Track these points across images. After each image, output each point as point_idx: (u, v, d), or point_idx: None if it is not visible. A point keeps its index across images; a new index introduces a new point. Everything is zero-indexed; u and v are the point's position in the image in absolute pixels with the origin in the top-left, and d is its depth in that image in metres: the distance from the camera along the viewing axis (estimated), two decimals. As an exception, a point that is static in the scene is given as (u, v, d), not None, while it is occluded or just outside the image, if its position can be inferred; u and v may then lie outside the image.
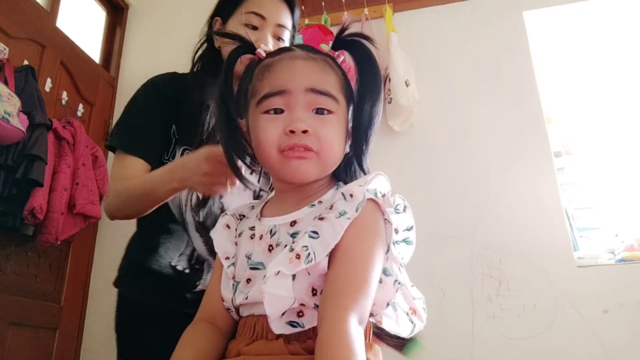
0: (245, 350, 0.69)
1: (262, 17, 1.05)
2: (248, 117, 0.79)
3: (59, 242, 1.92)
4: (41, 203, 1.79)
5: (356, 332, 0.59)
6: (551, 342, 1.73)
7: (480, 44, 2.21)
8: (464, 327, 1.81)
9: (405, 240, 0.78)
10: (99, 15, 2.72)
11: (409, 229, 0.78)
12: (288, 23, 1.10)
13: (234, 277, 0.77)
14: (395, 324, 0.74)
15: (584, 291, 1.77)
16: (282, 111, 0.73)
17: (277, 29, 1.07)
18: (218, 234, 0.83)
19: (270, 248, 0.73)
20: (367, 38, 0.81)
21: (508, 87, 2.11)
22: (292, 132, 0.71)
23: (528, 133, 2.02)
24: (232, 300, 0.76)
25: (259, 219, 0.80)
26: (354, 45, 0.80)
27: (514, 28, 2.19)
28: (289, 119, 0.72)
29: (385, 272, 0.70)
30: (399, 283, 0.72)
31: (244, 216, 0.85)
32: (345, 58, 0.82)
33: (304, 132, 0.71)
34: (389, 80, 2.06)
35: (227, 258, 0.79)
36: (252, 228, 0.79)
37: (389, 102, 2.04)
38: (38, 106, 1.89)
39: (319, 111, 0.74)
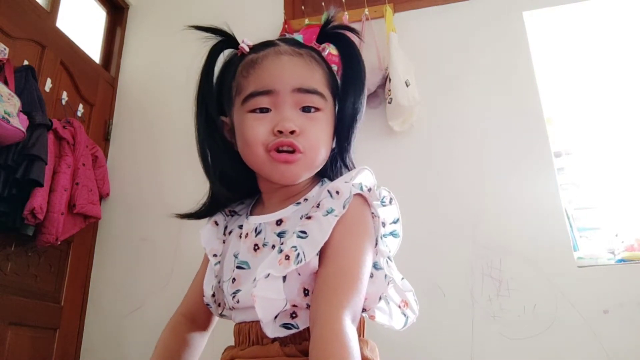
0: (240, 355, 0.68)
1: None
2: (232, 114, 0.77)
3: (59, 242, 1.92)
4: (41, 203, 1.79)
5: (350, 330, 0.58)
6: (551, 342, 1.73)
7: (480, 44, 2.21)
8: (464, 327, 1.81)
9: (392, 233, 0.77)
10: (99, 15, 2.72)
11: (395, 222, 0.77)
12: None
13: (218, 276, 0.77)
14: (389, 318, 0.74)
15: (584, 291, 1.76)
16: (268, 110, 0.72)
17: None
18: (206, 231, 0.82)
19: (256, 247, 0.72)
20: (352, 30, 0.79)
21: (508, 87, 2.11)
22: (280, 132, 0.70)
23: (528, 133, 2.02)
24: (211, 296, 0.77)
25: (247, 217, 0.79)
26: (338, 38, 0.79)
27: (513, 28, 2.19)
28: (277, 118, 0.71)
29: (375, 266, 0.70)
30: (389, 276, 0.71)
31: (235, 212, 0.84)
32: (329, 51, 0.80)
33: (292, 132, 0.70)
34: (389, 80, 2.06)
35: (215, 255, 0.79)
36: (241, 227, 0.78)
37: (389, 102, 2.04)
38: (38, 106, 1.89)
39: (306, 109, 0.72)
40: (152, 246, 2.24)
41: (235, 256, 0.74)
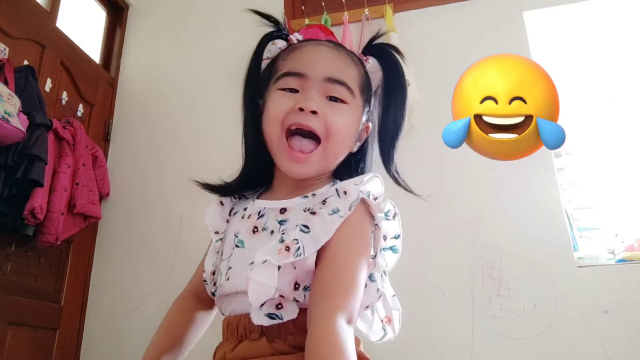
0: (230, 356, 0.69)
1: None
2: (266, 96, 0.80)
3: (59, 242, 1.92)
4: (41, 203, 1.79)
5: (346, 332, 0.59)
6: (551, 342, 1.73)
7: (481, 44, 2.20)
8: (464, 327, 1.81)
9: (392, 248, 0.78)
10: (99, 15, 2.72)
11: (396, 237, 0.78)
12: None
13: (220, 253, 0.79)
14: (368, 327, 0.75)
15: (584, 291, 1.77)
16: (296, 91, 0.74)
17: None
18: (211, 210, 0.84)
19: (255, 230, 0.74)
20: (397, 50, 0.84)
21: (508, 87, 2.11)
22: (301, 109, 0.71)
23: (528, 133, 2.02)
24: (211, 274, 0.78)
25: (254, 200, 0.81)
26: (384, 54, 0.82)
27: (513, 28, 2.19)
28: (301, 98, 0.73)
29: (370, 277, 0.71)
30: (381, 290, 0.72)
31: (243, 196, 0.86)
32: (372, 64, 0.83)
33: (313, 112, 0.71)
34: (389, 80, 2.06)
35: (217, 233, 0.80)
36: (246, 209, 0.79)
37: (389, 102, 2.04)
38: (38, 106, 1.89)
39: (332, 99, 0.74)
40: (152, 246, 2.24)
41: (236, 235, 0.76)
